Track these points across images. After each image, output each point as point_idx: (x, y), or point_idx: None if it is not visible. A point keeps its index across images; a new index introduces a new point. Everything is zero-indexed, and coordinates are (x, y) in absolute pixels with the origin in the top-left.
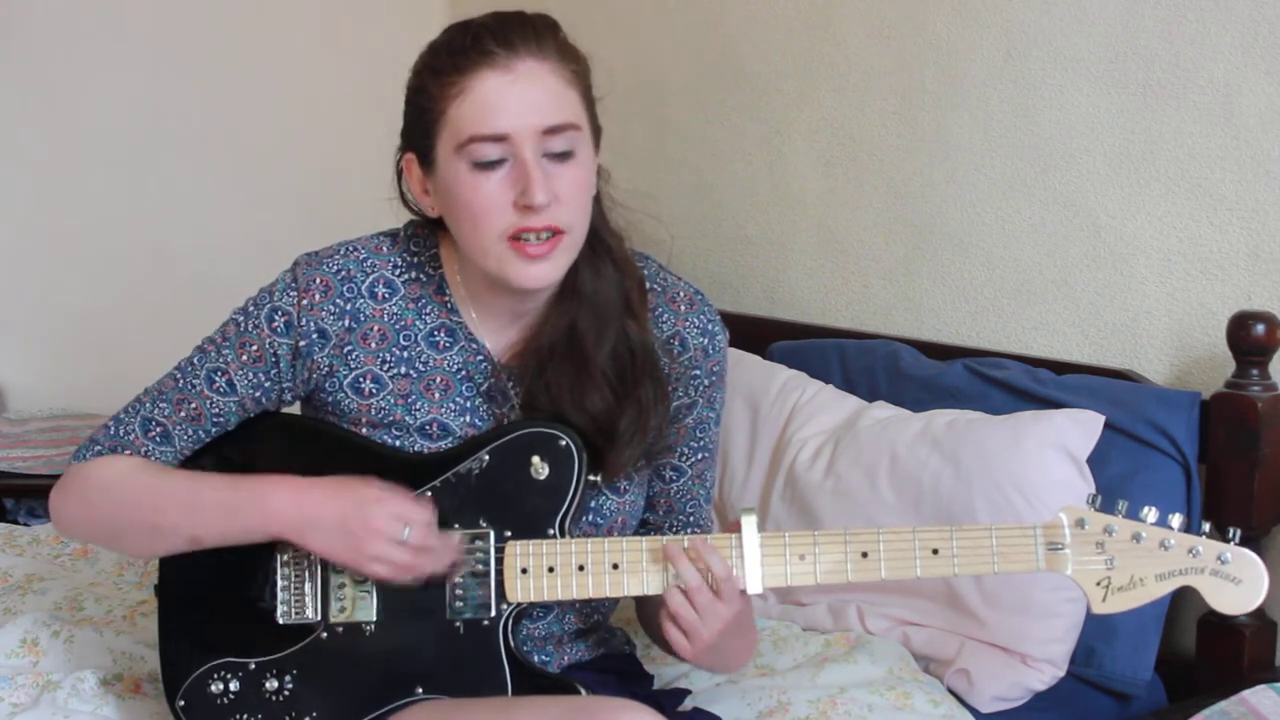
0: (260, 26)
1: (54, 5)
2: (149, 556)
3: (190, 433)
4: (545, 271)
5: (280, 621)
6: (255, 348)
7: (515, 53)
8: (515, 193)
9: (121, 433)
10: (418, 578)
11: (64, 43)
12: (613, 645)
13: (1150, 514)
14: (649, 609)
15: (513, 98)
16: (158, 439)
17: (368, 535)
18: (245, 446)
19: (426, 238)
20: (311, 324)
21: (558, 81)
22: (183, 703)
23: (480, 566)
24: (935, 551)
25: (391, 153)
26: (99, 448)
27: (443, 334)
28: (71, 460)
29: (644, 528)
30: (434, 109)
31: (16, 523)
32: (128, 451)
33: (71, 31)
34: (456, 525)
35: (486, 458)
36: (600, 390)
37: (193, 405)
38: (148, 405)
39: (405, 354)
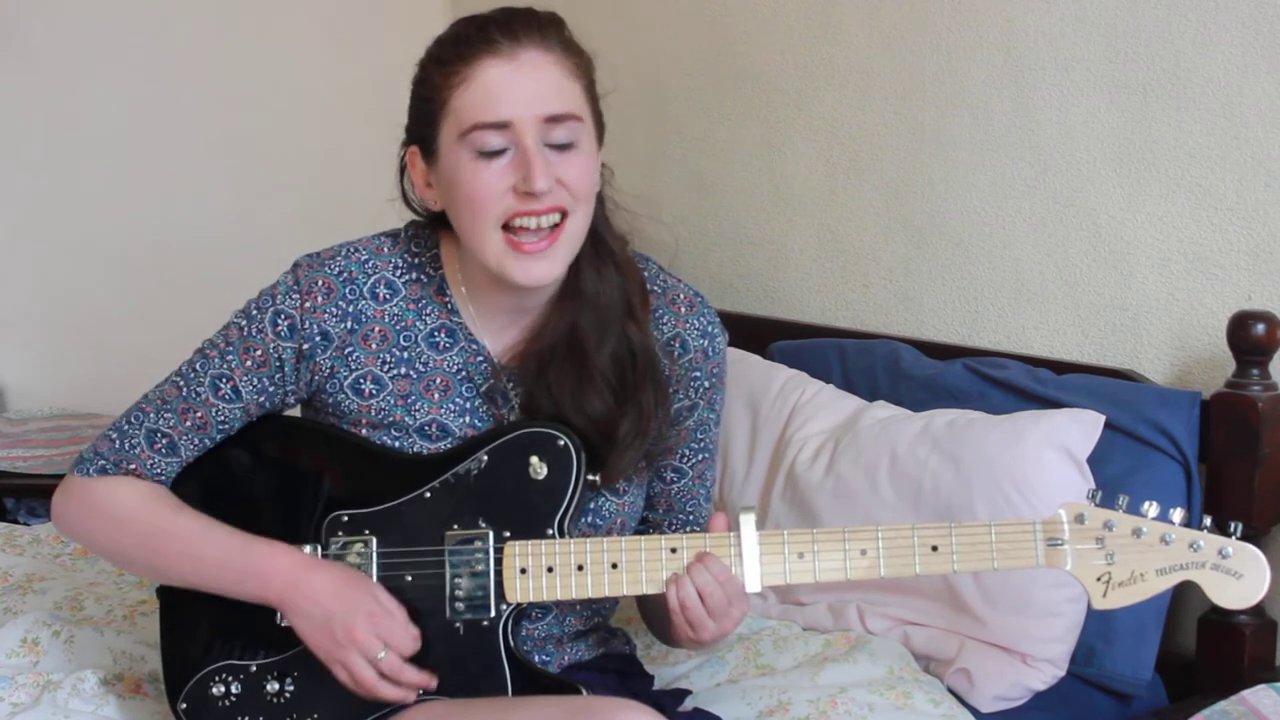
0: (260, 25)
1: (54, 5)
2: (150, 582)
3: (196, 441)
4: (545, 269)
5: (281, 624)
6: (259, 352)
7: (519, 42)
8: (516, 179)
9: (126, 446)
10: (377, 698)
11: (64, 42)
12: (613, 645)
13: (1151, 509)
14: (650, 604)
15: (515, 86)
16: (164, 450)
17: (346, 643)
18: (247, 449)
19: (427, 238)
20: (314, 326)
21: (561, 72)
22: (184, 705)
23: (480, 567)
24: (935, 548)
25: (391, 152)
26: (103, 462)
27: (443, 334)
28: (75, 470)
29: (643, 525)
30: (437, 99)
31: (17, 522)
32: (133, 467)
33: (71, 31)
34: (456, 525)
35: (485, 458)
36: (601, 393)
37: (198, 414)
38: (152, 415)
39: (405, 355)
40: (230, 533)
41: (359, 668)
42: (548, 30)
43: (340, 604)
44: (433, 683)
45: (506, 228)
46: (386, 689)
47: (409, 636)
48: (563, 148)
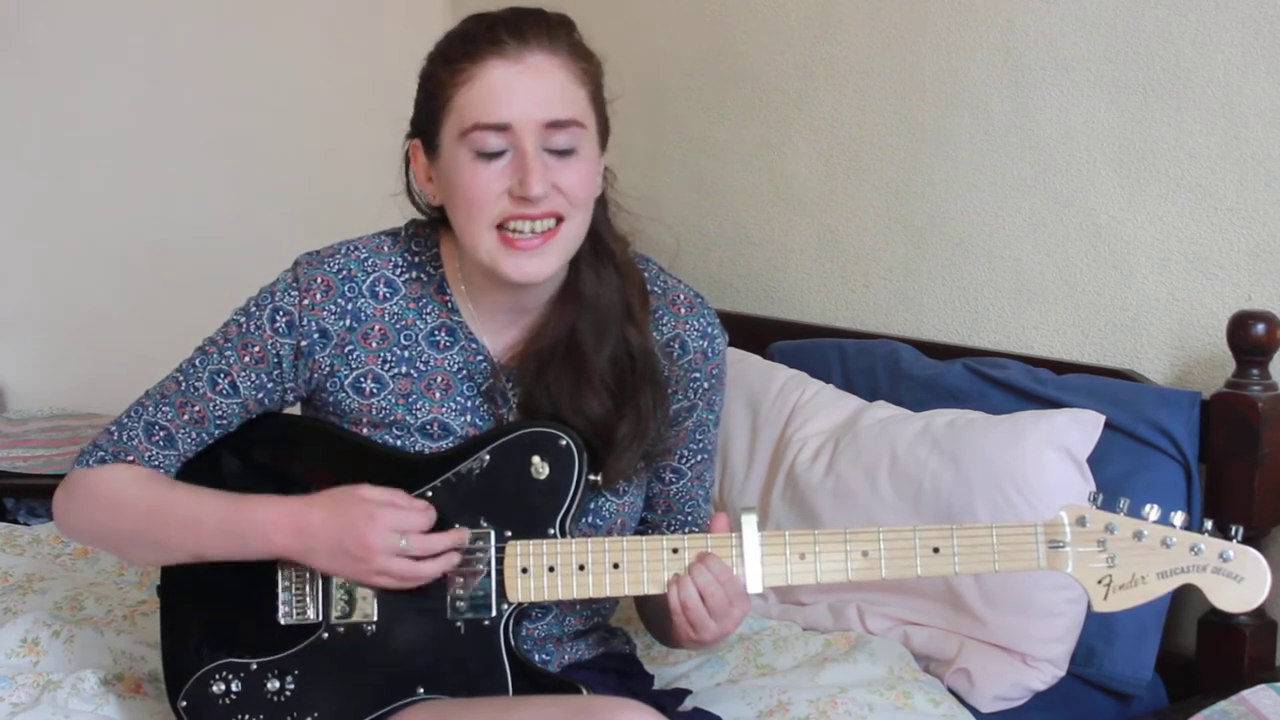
0: (260, 25)
1: (54, 5)
2: (154, 566)
3: (193, 435)
4: (537, 266)
5: (282, 622)
6: (257, 349)
7: (526, 44)
8: (513, 182)
9: (125, 438)
10: (427, 580)
11: (64, 42)
12: (613, 645)
13: (1152, 512)
14: (650, 605)
15: (519, 88)
16: (161, 443)
17: (366, 554)
18: (247, 448)
19: (427, 237)
20: (313, 324)
21: (566, 77)
22: (185, 703)
23: (481, 566)
24: (936, 550)
25: (392, 151)
26: (102, 453)
27: (443, 333)
28: (75, 465)
29: (642, 525)
30: (442, 95)
31: (17, 522)
32: (131, 458)
33: (71, 31)
34: (457, 525)
35: (487, 457)
36: (599, 396)
37: (195, 408)
38: (150, 409)
39: (406, 353)
40: (223, 498)
41: (392, 566)
42: (556, 33)
43: (342, 524)
44: (465, 536)
45: (501, 227)
46: (428, 566)
47: (418, 513)
48: (563, 153)
